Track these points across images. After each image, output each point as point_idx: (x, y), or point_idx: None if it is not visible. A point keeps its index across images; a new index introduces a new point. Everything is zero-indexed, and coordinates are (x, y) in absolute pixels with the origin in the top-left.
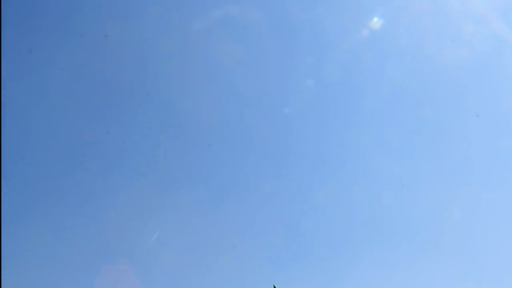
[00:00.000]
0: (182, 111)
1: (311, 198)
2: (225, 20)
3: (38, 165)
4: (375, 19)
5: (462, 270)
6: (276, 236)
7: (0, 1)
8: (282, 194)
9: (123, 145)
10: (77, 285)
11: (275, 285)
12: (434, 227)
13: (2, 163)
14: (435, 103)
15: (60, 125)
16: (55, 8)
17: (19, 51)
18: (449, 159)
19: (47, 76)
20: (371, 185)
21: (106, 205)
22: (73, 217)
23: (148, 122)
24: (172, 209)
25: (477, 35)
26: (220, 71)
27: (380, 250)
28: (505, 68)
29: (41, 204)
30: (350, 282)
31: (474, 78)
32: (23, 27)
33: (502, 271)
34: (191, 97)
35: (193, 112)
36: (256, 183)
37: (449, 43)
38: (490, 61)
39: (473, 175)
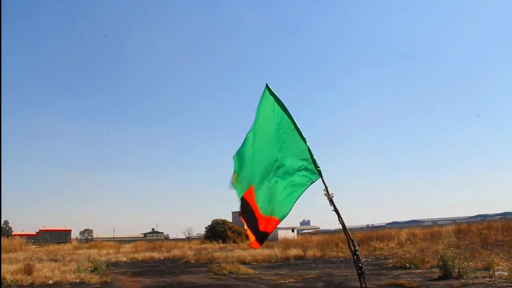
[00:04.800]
0: None
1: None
2: None
3: None
4: None
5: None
6: (273, 32)
7: (0, 1)
8: None
9: None
10: (75, 100)
11: (268, 83)
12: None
13: None
14: None
15: None
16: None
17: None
18: None
19: None
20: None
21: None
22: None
23: None
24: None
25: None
26: None
27: (374, 70)
28: None
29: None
30: (339, 90)
31: None
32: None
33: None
34: None
35: None
36: None
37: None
38: None
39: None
